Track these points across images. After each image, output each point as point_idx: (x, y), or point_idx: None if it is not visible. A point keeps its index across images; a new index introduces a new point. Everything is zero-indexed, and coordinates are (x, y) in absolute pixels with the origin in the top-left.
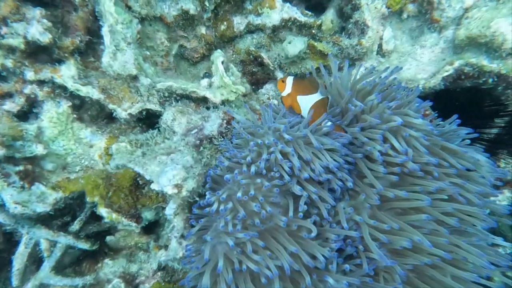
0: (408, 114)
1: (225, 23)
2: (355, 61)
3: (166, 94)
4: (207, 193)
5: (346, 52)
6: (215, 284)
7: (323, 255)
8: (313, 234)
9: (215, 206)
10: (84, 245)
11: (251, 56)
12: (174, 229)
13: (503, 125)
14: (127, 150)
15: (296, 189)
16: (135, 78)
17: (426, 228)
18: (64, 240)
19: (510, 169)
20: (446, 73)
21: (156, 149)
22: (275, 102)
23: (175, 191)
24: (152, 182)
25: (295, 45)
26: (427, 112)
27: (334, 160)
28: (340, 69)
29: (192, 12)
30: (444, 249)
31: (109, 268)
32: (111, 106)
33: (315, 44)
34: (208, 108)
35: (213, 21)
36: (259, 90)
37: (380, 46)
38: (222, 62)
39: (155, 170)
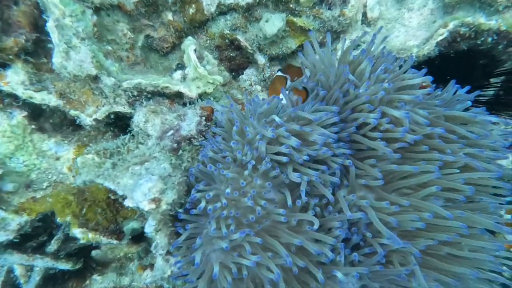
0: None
1: (193, 5)
2: (339, 34)
3: (135, 93)
4: (192, 191)
5: (329, 25)
6: None
7: (329, 248)
8: (316, 227)
9: (202, 204)
10: (65, 265)
11: (226, 40)
12: (158, 246)
13: (499, 85)
14: (95, 163)
15: (294, 176)
16: (96, 78)
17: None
18: (41, 263)
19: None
20: (441, 37)
21: (129, 158)
22: (259, 88)
23: (153, 206)
24: (126, 197)
25: (273, 23)
26: (424, 84)
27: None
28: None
29: None
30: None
31: (98, 284)
32: (73, 112)
33: (295, 20)
34: (184, 104)
35: (179, 5)
36: (240, 77)
37: (364, 14)
38: (195, 51)
39: (128, 183)
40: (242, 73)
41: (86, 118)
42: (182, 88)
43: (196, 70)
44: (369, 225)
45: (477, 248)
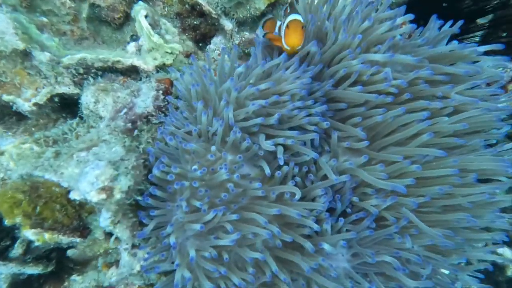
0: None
1: None
2: None
3: (81, 71)
4: (149, 176)
5: None
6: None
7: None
8: (297, 197)
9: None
10: (34, 270)
11: (187, 6)
12: (120, 242)
13: (487, 25)
14: (33, 153)
15: (267, 144)
16: (27, 54)
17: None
18: (5, 269)
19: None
20: None
21: (74, 144)
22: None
23: (103, 196)
24: (72, 189)
25: None
26: (403, 25)
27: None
28: None
29: None
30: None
31: (79, 284)
32: (6, 97)
33: None
34: (141, 79)
35: None
36: (208, 47)
37: None
38: (146, 17)
39: (73, 173)
40: (210, 43)
41: (24, 104)
42: (135, 61)
43: (150, 39)
44: (355, 189)
45: (473, 197)
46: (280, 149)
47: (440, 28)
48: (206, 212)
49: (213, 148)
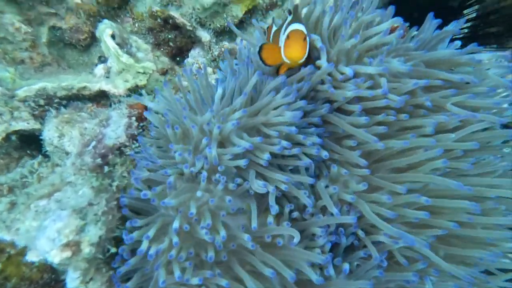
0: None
1: None
2: None
3: (42, 102)
4: (123, 234)
5: None
6: None
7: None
8: (296, 240)
9: (143, 247)
10: None
11: (158, 20)
12: None
13: (474, 15)
14: None
15: (258, 186)
16: None
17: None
18: None
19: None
20: None
21: (34, 190)
22: (209, 70)
23: (67, 254)
24: (29, 249)
25: None
26: (395, 26)
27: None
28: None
29: None
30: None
31: None
32: None
33: None
34: (112, 105)
35: None
36: (185, 60)
37: None
38: (113, 36)
39: (31, 227)
40: (187, 56)
41: None
42: (104, 85)
43: (119, 59)
44: (360, 218)
45: (492, 226)
46: (272, 196)
47: (438, 27)
48: (189, 280)
49: (198, 194)
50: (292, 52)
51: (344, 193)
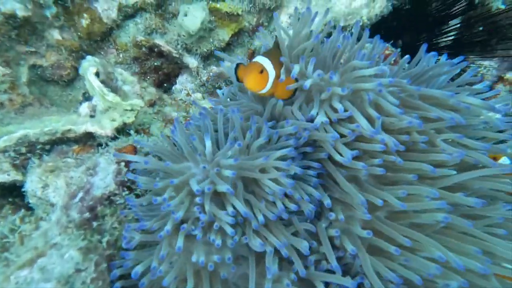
0: (357, 68)
1: (85, 15)
2: (273, 10)
3: (23, 150)
4: None
5: (260, 3)
6: None
7: None
8: None
9: None
10: None
11: (143, 49)
12: None
13: (458, 25)
14: None
15: (256, 244)
16: None
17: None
18: None
19: (484, 71)
20: None
21: (14, 255)
22: (199, 95)
23: None
24: None
25: (193, 16)
26: (387, 52)
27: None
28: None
29: (22, 13)
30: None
31: None
32: None
33: (218, 6)
34: (100, 145)
35: (65, 18)
36: (173, 87)
37: None
38: (97, 74)
39: None
40: (175, 82)
41: None
42: (90, 127)
43: (105, 98)
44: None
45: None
46: (270, 256)
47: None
48: None
49: (193, 258)
50: (246, 83)
51: (348, 243)
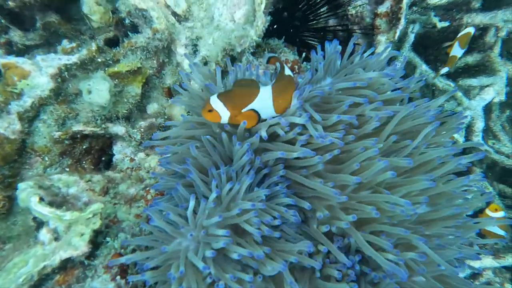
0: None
1: None
2: (170, 46)
3: None
4: None
5: (152, 48)
6: None
7: None
8: None
9: None
10: None
11: (65, 142)
12: None
13: (332, 13)
14: None
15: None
16: None
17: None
18: None
19: (361, 10)
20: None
21: None
22: (142, 155)
23: None
24: None
25: (98, 90)
26: (295, 66)
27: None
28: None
29: None
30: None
31: None
32: None
33: (116, 69)
34: (82, 263)
35: None
36: (114, 159)
37: (174, 14)
38: (42, 199)
39: None
40: (113, 153)
41: None
42: (63, 254)
43: (62, 219)
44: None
45: None
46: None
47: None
48: None
49: None
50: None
51: (338, 222)
